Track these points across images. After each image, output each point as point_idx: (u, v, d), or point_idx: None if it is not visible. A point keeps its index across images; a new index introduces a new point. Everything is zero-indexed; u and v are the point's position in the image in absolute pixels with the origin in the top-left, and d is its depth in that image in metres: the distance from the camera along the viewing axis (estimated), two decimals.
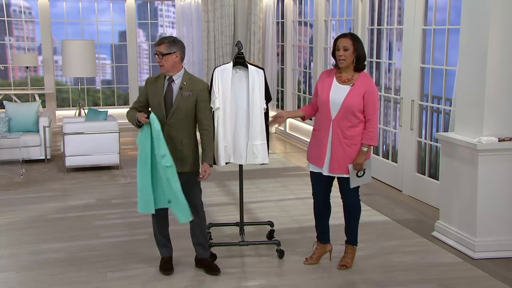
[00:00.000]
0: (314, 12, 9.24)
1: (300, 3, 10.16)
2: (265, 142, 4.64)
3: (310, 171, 4.48)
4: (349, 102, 4.22)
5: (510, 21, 4.68)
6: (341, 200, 4.50)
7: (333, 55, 4.34)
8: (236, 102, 4.60)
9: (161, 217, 4.44)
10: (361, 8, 7.57)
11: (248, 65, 4.58)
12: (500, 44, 4.69)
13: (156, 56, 4.21)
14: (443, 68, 6.14)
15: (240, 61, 4.58)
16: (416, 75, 6.42)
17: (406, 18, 6.52)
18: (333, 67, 4.43)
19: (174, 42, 4.20)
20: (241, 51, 4.64)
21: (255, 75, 4.57)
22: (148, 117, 4.14)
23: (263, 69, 4.82)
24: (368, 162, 4.30)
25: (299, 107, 10.36)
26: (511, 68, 4.74)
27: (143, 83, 5.60)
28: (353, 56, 4.24)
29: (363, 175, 4.29)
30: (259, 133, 4.60)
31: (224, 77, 4.52)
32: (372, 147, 4.34)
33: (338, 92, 4.27)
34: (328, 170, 4.35)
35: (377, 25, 7.35)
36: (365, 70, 4.37)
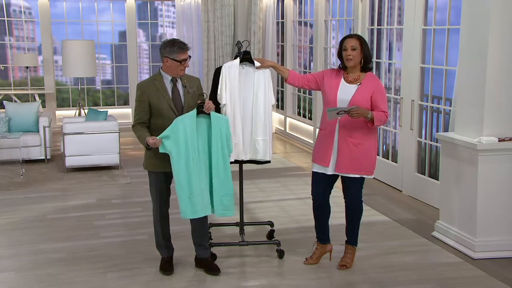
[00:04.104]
0: (314, 12, 9.24)
1: (300, 3, 10.16)
2: (267, 138, 4.62)
3: (313, 171, 4.48)
4: (356, 100, 4.23)
5: (510, 21, 4.68)
6: (343, 200, 4.50)
7: (339, 56, 4.35)
8: (243, 98, 4.58)
9: (164, 218, 4.44)
10: (361, 8, 7.57)
11: (255, 61, 4.58)
12: (500, 44, 4.69)
13: (185, 61, 4.16)
14: (443, 68, 6.14)
15: (247, 58, 4.57)
16: (416, 75, 6.43)
17: (406, 18, 6.52)
18: (339, 68, 4.43)
19: None
20: (241, 50, 4.64)
21: (261, 71, 4.57)
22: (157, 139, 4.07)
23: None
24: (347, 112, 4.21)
25: (299, 107, 10.37)
26: (511, 68, 4.74)
27: None
28: (360, 56, 4.26)
29: (342, 113, 4.18)
30: (261, 128, 4.59)
31: (232, 73, 4.52)
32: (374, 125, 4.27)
33: (345, 91, 4.28)
34: (334, 169, 4.35)
35: (377, 25, 7.35)
36: None
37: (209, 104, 4.15)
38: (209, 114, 4.18)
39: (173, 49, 4.13)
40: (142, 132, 4.19)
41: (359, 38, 4.29)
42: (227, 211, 4.28)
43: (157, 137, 4.08)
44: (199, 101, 4.19)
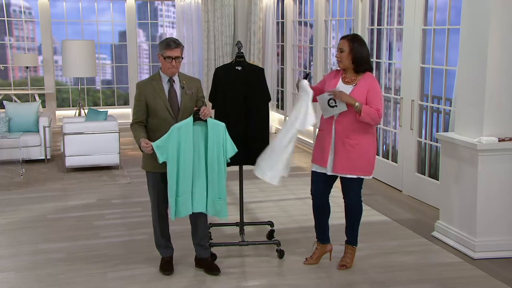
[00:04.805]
0: (314, 12, 9.24)
1: (300, 3, 10.16)
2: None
3: (312, 171, 4.48)
4: None
5: (510, 21, 4.68)
6: (343, 200, 4.50)
7: None
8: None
9: (163, 218, 4.44)
10: (361, 8, 7.57)
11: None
12: (500, 44, 4.69)
13: (172, 60, 4.15)
14: (443, 68, 6.14)
15: (307, 76, 4.41)
16: (416, 75, 6.43)
17: (406, 18, 6.52)
18: (339, 69, 4.45)
19: (182, 45, 4.25)
20: (241, 50, 4.65)
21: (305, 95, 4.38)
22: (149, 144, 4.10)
23: (262, 69, 4.82)
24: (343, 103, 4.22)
25: None
26: (511, 68, 4.74)
27: None
28: (349, 58, 4.25)
29: (334, 106, 4.21)
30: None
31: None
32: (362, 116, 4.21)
33: None
34: (332, 170, 4.35)
35: (377, 25, 7.35)
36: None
37: (205, 110, 4.14)
38: (205, 121, 4.18)
39: (162, 45, 4.18)
40: (138, 132, 4.21)
41: (350, 40, 4.26)
42: (219, 213, 4.31)
43: (152, 143, 4.09)
44: (195, 108, 4.19)
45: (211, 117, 4.23)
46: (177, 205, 4.19)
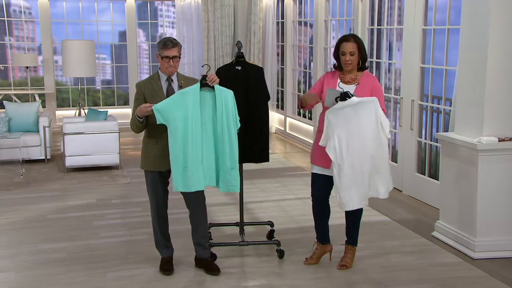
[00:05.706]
0: (314, 12, 9.24)
1: (300, 3, 10.16)
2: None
3: (313, 173, 4.47)
4: None
5: (510, 21, 4.68)
6: None
7: (335, 57, 4.34)
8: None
9: (162, 218, 4.44)
10: (361, 8, 7.57)
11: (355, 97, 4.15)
12: (500, 44, 4.69)
13: (170, 59, 4.15)
14: (443, 68, 6.14)
15: (347, 97, 4.11)
16: (416, 75, 6.42)
17: (406, 18, 6.52)
18: (334, 69, 4.43)
19: (180, 44, 4.25)
20: (241, 50, 4.65)
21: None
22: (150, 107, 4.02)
23: (262, 68, 4.82)
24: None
25: (299, 107, 10.35)
26: (511, 69, 4.74)
27: None
28: (358, 58, 4.26)
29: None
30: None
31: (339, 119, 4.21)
32: None
33: None
34: None
35: (377, 25, 7.35)
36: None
37: (212, 76, 4.09)
38: (213, 87, 4.11)
39: (159, 45, 4.19)
40: (134, 115, 4.19)
41: (356, 41, 4.25)
42: (232, 187, 4.16)
43: (153, 106, 4.04)
44: (202, 74, 4.14)
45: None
46: (186, 177, 4.03)
